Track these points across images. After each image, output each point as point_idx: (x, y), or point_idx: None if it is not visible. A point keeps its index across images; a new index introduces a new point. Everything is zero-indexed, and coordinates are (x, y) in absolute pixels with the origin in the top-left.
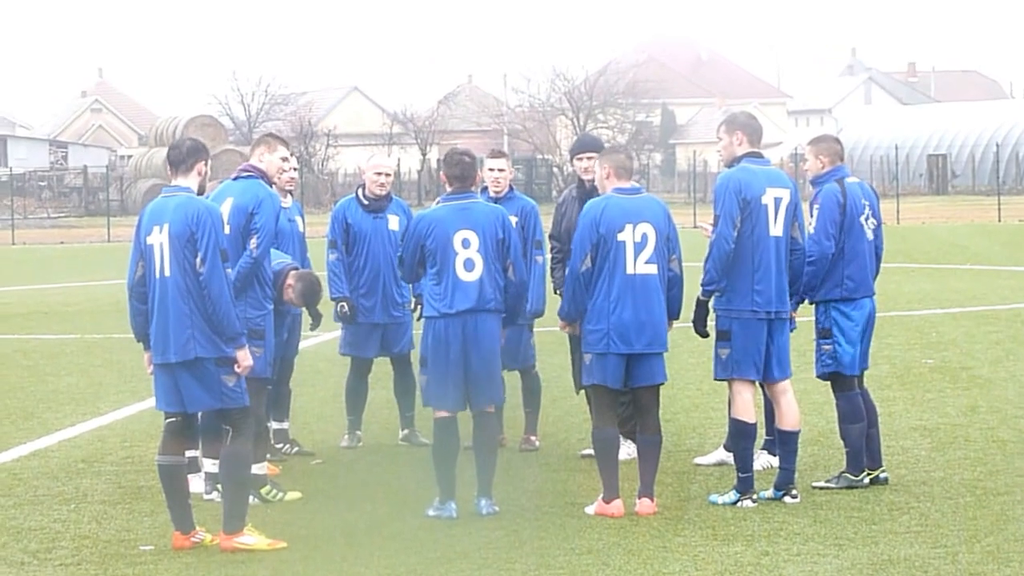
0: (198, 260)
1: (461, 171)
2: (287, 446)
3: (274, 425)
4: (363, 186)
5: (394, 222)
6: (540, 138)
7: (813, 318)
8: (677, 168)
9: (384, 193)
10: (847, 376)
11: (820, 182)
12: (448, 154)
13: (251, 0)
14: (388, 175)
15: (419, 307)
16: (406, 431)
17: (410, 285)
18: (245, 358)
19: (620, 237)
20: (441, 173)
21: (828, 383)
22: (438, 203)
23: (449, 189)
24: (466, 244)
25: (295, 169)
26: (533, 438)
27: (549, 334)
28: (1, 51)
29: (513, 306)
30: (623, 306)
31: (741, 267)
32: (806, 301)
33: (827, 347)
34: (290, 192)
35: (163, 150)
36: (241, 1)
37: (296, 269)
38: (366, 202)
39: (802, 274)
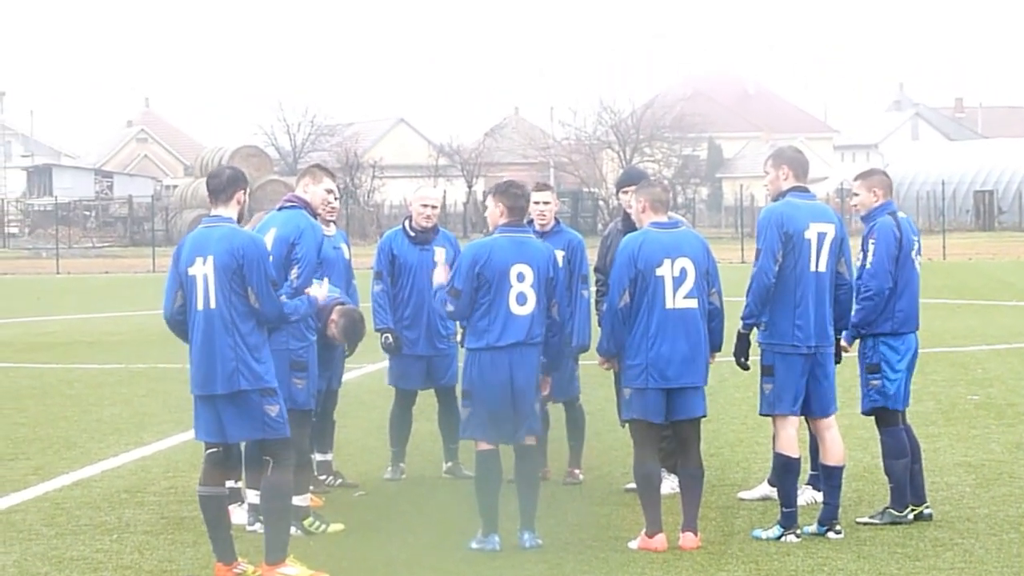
0: (250, 294)
1: (515, 202)
2: (330, 478)
3: (318, 457)
4: (409, 218)
5: (440, 254)
6: (586, 171)
7: (858, 353)
8: (724, 202)
9: (430, 225)
10: (892, 411)
11: (873, 216)
12: (499, 186)
13: (298, 31)
14: (435, 207)
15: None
16: (450, 463)
17: None
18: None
19: (658, 272)
20: (498, 204)
21: (871, 418)
22: (485, 234)
23: (503, 221)
24: (521, 278)
25: (336, 199)
26: (577, 471)
27: (594, 367)
28: (48, 80)
29: (556, 345)
30: (662, 341)
31: (783, 302)
32: (860, 335)
33: (875, 382)
34: (333, 221)
35: None
36: (288, 32)
37: (343, 304)
38: (412, 234)
39: (849, 309)
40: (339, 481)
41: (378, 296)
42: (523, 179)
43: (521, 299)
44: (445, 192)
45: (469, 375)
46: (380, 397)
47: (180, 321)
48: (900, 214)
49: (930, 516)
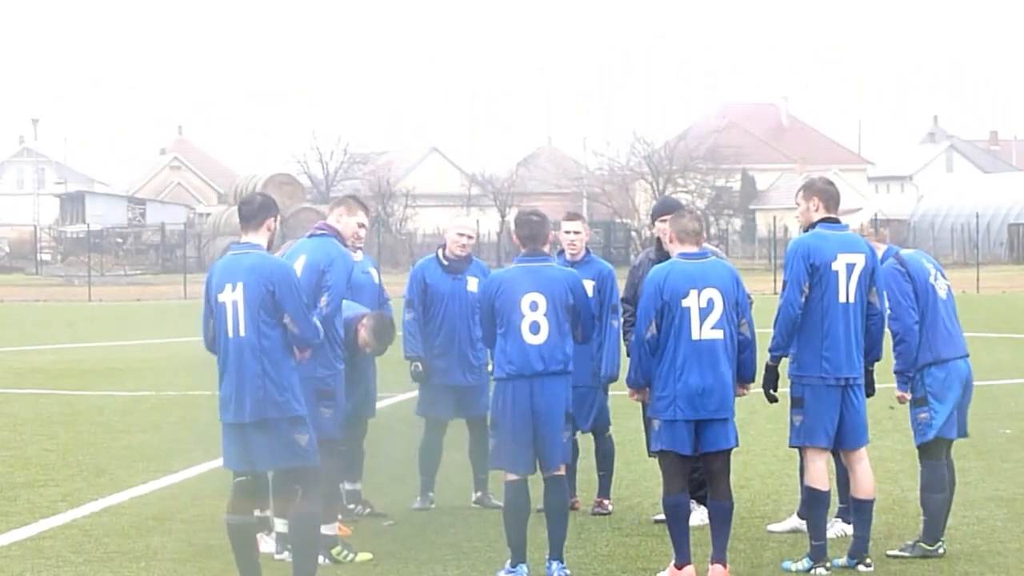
0: (288, 321)
1: (529, 231)
2: (359, 507)
3: (347, 486)
4: (444, 247)
5: (473, 284)
6: (619, 202)
7: (911, 388)
8: (757, 234)
9: (464, 255)
10: (935, 442)
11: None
12: (518, 215)
13: (332, 60)
14: (470, 237)
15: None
16: (479, 493)
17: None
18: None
19: (684, 303)
20: (515, 234)
21: (901, 449)
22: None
23: (522, 251)
24: (533, 307)
25: (366, 230)
26: (606, 502)
27: (624, 398)
28: (82, 108)
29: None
30: (689, 372)
31: (810, 333)
32: (911, 377)
33: (923, 416)
34: (360, 248)
35: None
36: (322, 61)
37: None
38: (446, 263)
39: (880, 339)
40: (368, 510)
41: (409, 324)
42: (555, 208)
43: (534, 328)
44: (478, 222)
45: (494, 405)
46: (410, 426)
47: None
48: (904, 251)
49: (942, 555)
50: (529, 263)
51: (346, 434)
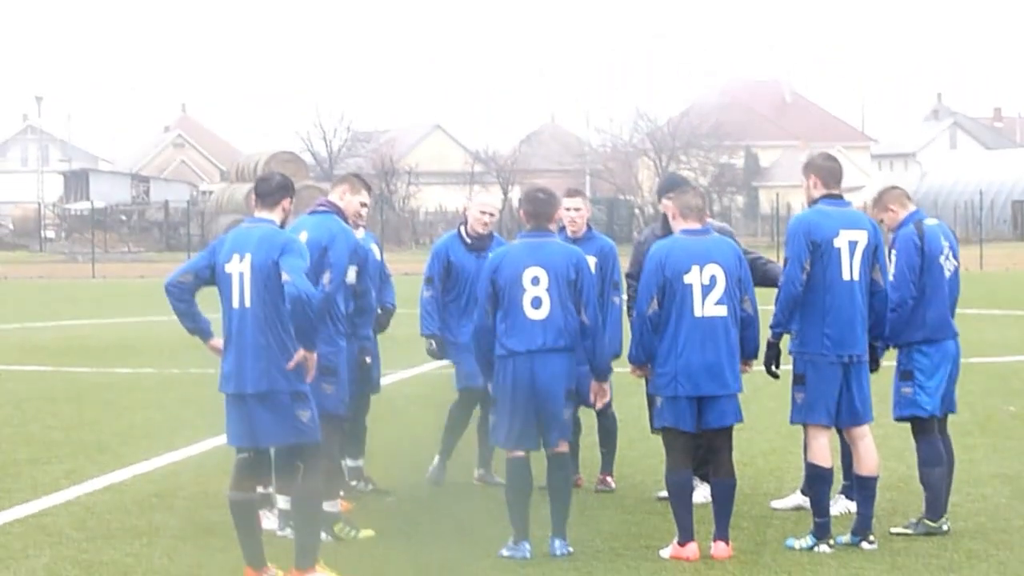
0: (285, 277)
1: (535, 207)
2: (361, 484)
3: (349, 462)
4: (465, 224)
5: None
6: (622, 179)
7: (895, 361)
8: (760, 211)
9: (487, 232)
10: (926, 419)
11: (899, 227)
12: (526, 191)
13: (335, 38)
14: (492, 215)
15: None
16: (481, 471)
17: None
18: (313, 362)
19: (686, 279)
20: (520, 211)
21: (907, 426)
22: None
23: (527, 227)
24: (535, 282)
25: (365, 206)
26: (609, 479)
27: (627, 375)
28: (85, 86)
29: (590, 350)
30: (691, 349)
31: (812, 310)
32: (889, 346)
33: (907, 390)
34: (362, 225)
35: (244, 186)
36: (325, 39)
37: None
38: (469, 241)
39: (884, 317)
40: (370, 487)
41: (427, 302)
42: (558, 186)
43: (536, 303)
44: (512, 199)
45: (496, 382)
46: (412, 403)
47: (174, 292)
48: (929, 221)
49: (946, 532)
50: (532, 238)
51: (349, 411)
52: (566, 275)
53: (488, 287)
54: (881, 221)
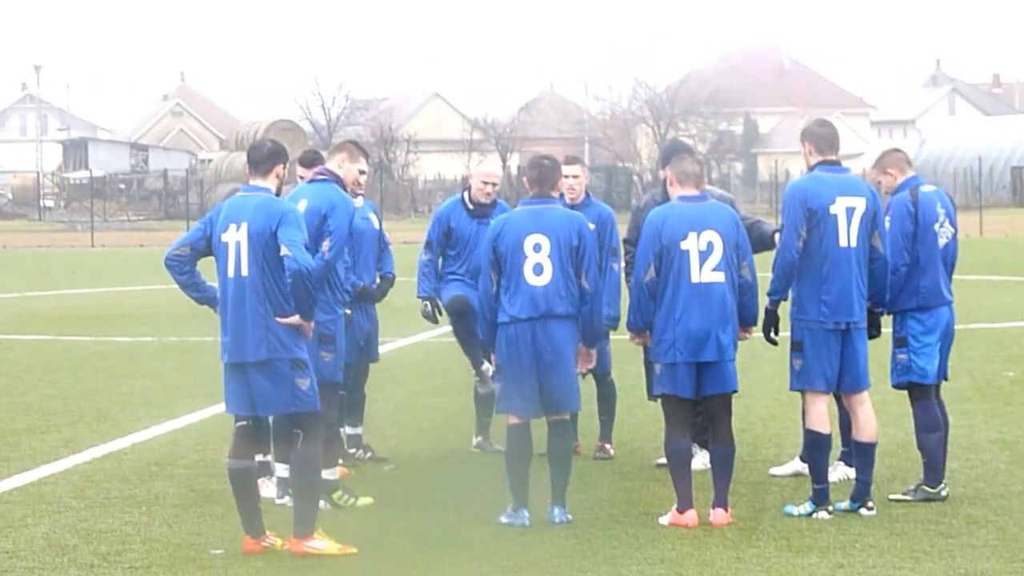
0: (283, 249)
1: (539, 173)
2: (360, 451)
3: (348, 430)
4: (468, 190)
5: None
6: (621, 146)
7: (891, 328)
8: (759, 178)
9: (489, 201)
10: (924, 386)
11: (897, 192)
12: (530, 158)
13: (332, 5)
14: (495, 184)
15: None
16: (480, 438)
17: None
18: (310, 329)
19: (684, 246)
20: (523, 177)
21: (905, 393)
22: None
23: (530, 194)
24: (537, 248)
25: (364, 174)
26: (608, 446)
27: (625, 342)
28: (84, 54)
29: (587, 316)
30: (689, 315)
31: (810, 277)
32: (884, 312)
33: (902, 356)
34: (361, 194)
35: (243, 155)
36: (323, 6)
37: None
38: (471, 207)
39: (884, 283)
40: (369, 455)
41: (424, 265)
42: (557, 154)
43: (538, 270)
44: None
45: (499, 349)
46: (411, 372)
47: (174, 265)
48: (926, 188)
49: (945, 498)
50: (535, 205)
51: (348, 379)
52: (568, 241)
53: (490, 254)
54: (878, 183)
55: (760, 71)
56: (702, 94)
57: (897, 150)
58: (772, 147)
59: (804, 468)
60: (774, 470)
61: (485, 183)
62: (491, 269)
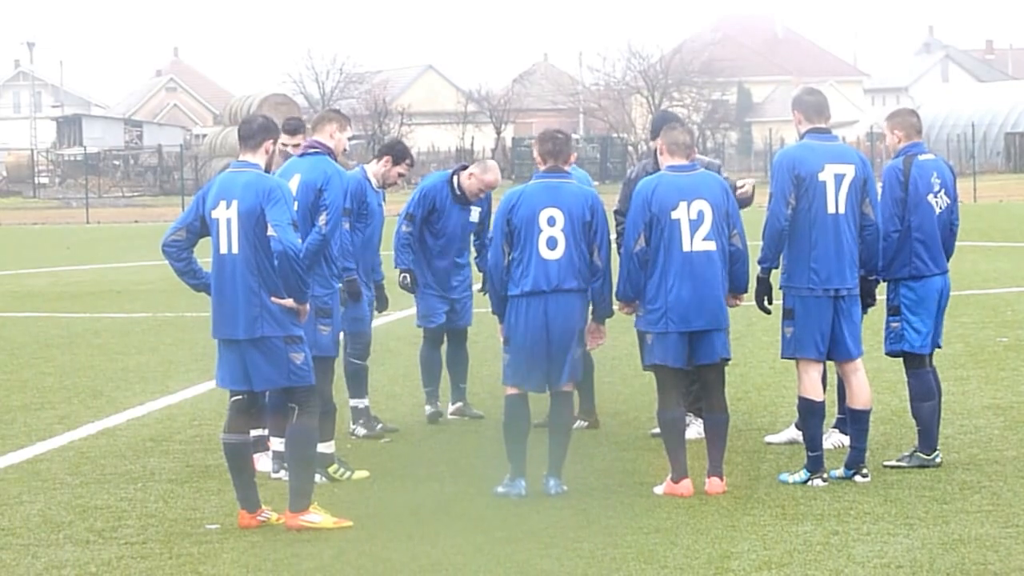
0: (270, 230)
1: (553, 147)
2: (363, 423)
3: (355, 403)
4: (458, 173)
5: (475, 214)
6: (615, 117)
7: (885, 296)
8: (753, 147)
9: (481, 196)
10: (917, 354)
11: (894, 158)
12: (542, 132)
13: None
14: (494, 186)
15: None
16: (459, 404)
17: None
18: (305, 312)
19: (674, 215)
20: (535, 151)
21: (899, 360)
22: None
23: (542, 167)
24: (551, 222)
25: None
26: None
27: (617, 312)
28: (77, 30)
29: (597, 292)
30: (680, 284)
31: (799, 245)
32: (878, 280)
33: (895, 324)
34: (352, 165)
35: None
36: None
37: None
38: (459, 193)
39: (876, 251)
40: (379, 426)
41: (404, 236)
42: (551, 125)
43: (551, 243)
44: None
45: (508, 322)
46: (406, 344)
47: (171, 252)
48: (923, 156)
49: (939, 464)
50: (549, 179)
51: (354, 352)
52: (581, 216)
53: (504, 226)
54: (882, 138)
55: (753, 40)
56: (695, 64)
57: (913, 113)
58: (766, 116)
59: (799, 436)
60: (769, 438)
61: (481, 190)
62: (504, 241)
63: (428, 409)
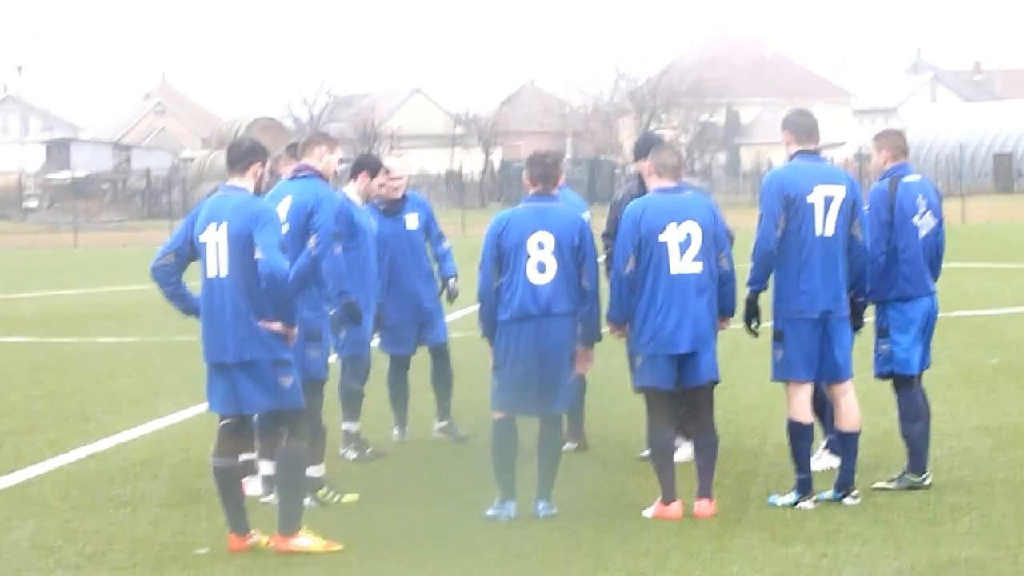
0: (257, 253)
1: (542, 171)
2: (353, 447)
3: (348, 426)
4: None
5: (412, 220)
6: (603, 139)
7: (873, 318)
8: (742, 168)
9: (399, 196)
10: (906, 375)
11: (880, 179)
12: (531, 155)
13: (313, 2)
14: (400, 178)
15: (445, 291)
16: (444, 423)
17: (436, 277)
18: (294, 336)
19: (662, 238)
20: (524, 174)
21: (888, 382)
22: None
23: (531, 191)
24: (540, 246)
25: (340, 163)
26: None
27: (606, 334)
28: (65, 55)
29: (586, 316)
30: (668, 306)
31: (788, 267)
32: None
33: (884, 347)
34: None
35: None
36: (303, 3)
37: None
38: (383, 207)
39: (865, 273)
40: (369, 449)
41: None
42: (539, 147)
43: (541, 267)
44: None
45: (498, 346)
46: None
47: (160, 276)
48: (909, 178)
49: (929, 486)
50: (538, 203)
51: (352, 375)
52: (570, 240)
53: (493, 250)
54: (870, 159)
55: (741, 61)
56: (683, 85)
57: (899, 134)
58: (754, 137)
59: (835, 462)
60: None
61: (392, 179)
62: (493, 265)
63: (395, 432)
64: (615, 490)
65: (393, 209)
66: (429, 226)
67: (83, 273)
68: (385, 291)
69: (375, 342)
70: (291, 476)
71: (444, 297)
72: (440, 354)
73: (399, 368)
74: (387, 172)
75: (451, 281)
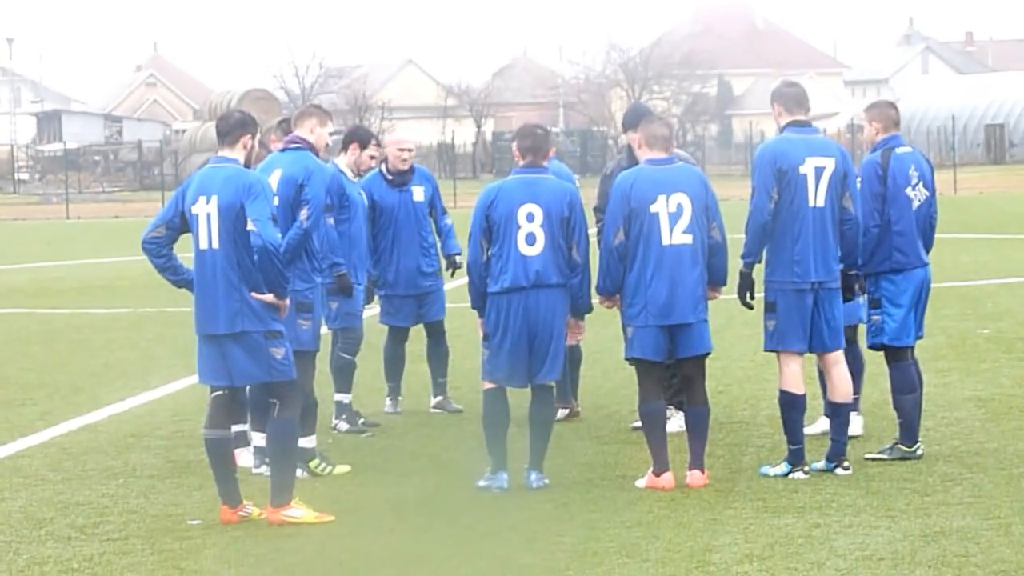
0: (250, 224)
1: (532, 143)
2: (347, 418)
3: (340, 398)
4: (386, 161)
5: (419, 193)
6: (595, 110)
7: (867, 289)
8: (734, 140)
9: (406, 168)
10: (899, 347)
11: (872, 151)
12: (521, 127)
13: None
14: (411, 150)
15: (451, 269)
16: (439, 398)
17: (439, 253)
18: (286, 308)
19: (652, 209)
20: (514, 146)
21: (881, 353)
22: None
23: (521, 163)
24: (530, 218)
25: (331, 135)
26: (574, 402)
27: (598, 305)
28: (56, 26)
29: (576, 288)
30: (659, 278)
31: (781, 238)
32: (858, 274)
33: (876, 318)
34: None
35: None
36: None
37: None
38: (390, 177)
39: (856, 245)
40: (361, 420)
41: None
42: (531, 119)
43: (530, 239)
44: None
45: (489, 319)
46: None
47: (151, 248)
48: (901, 149)
49: (920, 456)
50: (527, 175)
51: (344, 347)
52: (559, 212)
53: (483, 222)
54: (862, 135)
55: (732, 32)
56: (675, 56)
57: (892, 105)
58: (746, 108)
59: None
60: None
61: (401, 150)
62: (482, 237)
63: (388, 404)
64: (607, 461)
65: (401, 180)
66: (434, 201)
67: (75, 245)
68: (386, 260)
69: (372, 312)
70: (282, 448)
71: (449, 275)
72: (437, 330)
73: (397, 340)
74: (377, 145)
75: (457, 258)
